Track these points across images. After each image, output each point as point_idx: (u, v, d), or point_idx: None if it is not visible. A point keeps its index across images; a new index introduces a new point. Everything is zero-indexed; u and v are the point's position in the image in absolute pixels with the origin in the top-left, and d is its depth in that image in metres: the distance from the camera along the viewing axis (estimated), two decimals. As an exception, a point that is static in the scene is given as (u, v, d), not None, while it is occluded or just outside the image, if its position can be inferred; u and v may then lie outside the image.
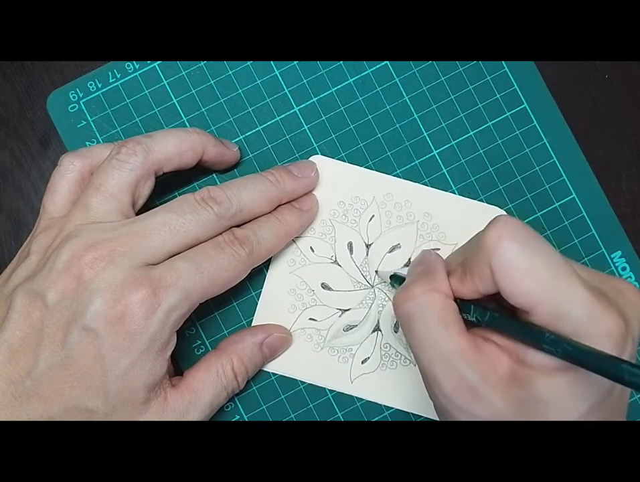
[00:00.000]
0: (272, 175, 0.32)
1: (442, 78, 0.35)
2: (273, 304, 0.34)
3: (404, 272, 0.33)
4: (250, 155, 0.35)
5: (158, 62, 0.35)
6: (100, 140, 0.35)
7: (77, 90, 0.35)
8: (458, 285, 0.25)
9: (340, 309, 0.34)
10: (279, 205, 0.32)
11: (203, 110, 0.35)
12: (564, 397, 0.23)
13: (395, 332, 0.34)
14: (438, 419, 0.33)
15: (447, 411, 0.25)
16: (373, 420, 0.34)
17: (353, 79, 0.35)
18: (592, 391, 0.23)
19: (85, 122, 0.35)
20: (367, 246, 0.34)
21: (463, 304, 0.25)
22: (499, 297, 0.24)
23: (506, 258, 0.23)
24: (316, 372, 0.34)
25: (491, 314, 0.24)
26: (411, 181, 0.35)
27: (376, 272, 0.34)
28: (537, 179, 0.35)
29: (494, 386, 0.23)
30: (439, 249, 0.34)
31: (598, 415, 0.23)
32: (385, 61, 0.35)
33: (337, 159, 0.35)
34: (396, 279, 0.32)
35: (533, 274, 0.23)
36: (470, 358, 0.24)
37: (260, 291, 0.34)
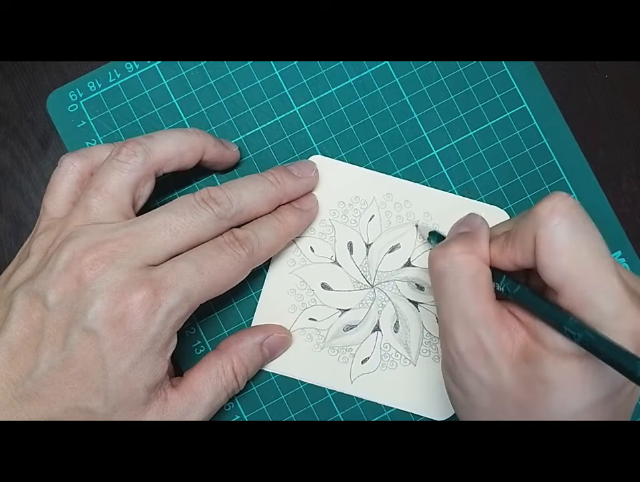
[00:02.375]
0: (272, 175, 0.32)
1: (442, 78, 0.35)
2: (273, 304, 0.34)
3: (409, 272, 0.33)
4: (250, 155, 0.35)
5: (158, 62, 0.35)
6: (100, 140, 0.35)
7: (77, 90, 0.35)
8: (496, 253, 0.26)
9: (340, 309, 0.34)
10: (279, 206, 0.32)
11: (203, 110, 0.35)
12: (572, 383, 0.23)
13: (395, 332, 0.34)
14: (437, 419, 0.34)
15: (455, 367, 0.25)
16: (373, 420, 0.34)
17: (353, 79, 0.35)
18: (602, 384, 0.23)
19: (85, 122, 0.35)
20: (367, 246, 0.34)
21: (495, 273, 0.26)
22: (530, 276, 0.25)
23: (553, 232, 0.23)
24: (316, 372, 0.34)
25: (521, 287, 0.25)
26: (411, 181, 0.35)
27: (416, 226, 0.34)
28: (537, 179, 0.35)
29: (507, 356, 0.24)
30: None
31: (601, 409, 0.23)
32: (385, 61, 0.35)
33: (337, 159, 0.35)
34: (435, 236, 0.33)
35: (575, 254, 0.23)
36: (492, 324, 0.24)
37: (260, 291, 0.34)
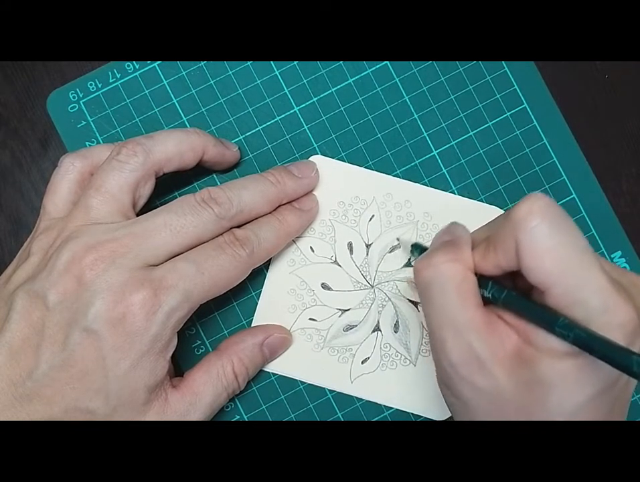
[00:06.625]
0: (273, 175, 0.32)
1: (442, 78, 0.35)
2: (273, 304, 0.34)
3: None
4: (250, 155, 0.35)
5: (158, 62, 0.35)
6: (100, 140, 0.35)
7: (77, 90, 0.35)
8: (480, 260, 0.25)
9: (340, 309, 0.34)
10: (279, 206, 0.32)
11: (203, 110, 0.35)
12: (568, 381, 0.23)
13: (395, 332, 0.34)
14: (437, 419, 0.34)
15: (450, 379, 0.25)
16: (373, 420, 0.34)
17: (353, 79, 0.35)
18: (598, 378, 0.23)
19: (85, 122, 0.35)
20: (367, 246, 0.34)
21: (481, 280, 0.25)
22: (516, 277, 0.24)
23: (533, 234, 0.23)
24: (316, 372, 0.34)
25: (508, 292, 0.25)
26: (411, 181, 0.35)
27: (398, 239, 0.34)
28: (537, 179, 0.35)
29: (500, 362, 0.24)
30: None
31: (600, 403, 0.23)
32: (385, 61, 0.35)
33: (337, 159, 0.35)
34: (417, 248, 0.32)
35: (557, 253, 0.23)
36: (482, 331, 0.24)
37: (260, 291, 0.34)
